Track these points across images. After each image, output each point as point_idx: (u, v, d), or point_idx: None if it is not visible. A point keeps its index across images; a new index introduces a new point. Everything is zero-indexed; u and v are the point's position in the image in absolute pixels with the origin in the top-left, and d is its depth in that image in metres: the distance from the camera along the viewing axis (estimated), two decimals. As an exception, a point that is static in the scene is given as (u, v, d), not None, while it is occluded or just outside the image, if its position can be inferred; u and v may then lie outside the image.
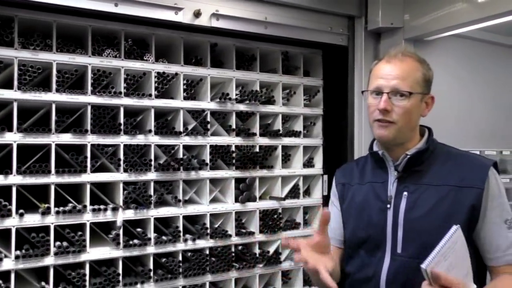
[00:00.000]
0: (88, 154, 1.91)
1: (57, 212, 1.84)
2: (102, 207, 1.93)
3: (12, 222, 1.76)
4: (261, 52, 2.38)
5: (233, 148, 2.25)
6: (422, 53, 2.31)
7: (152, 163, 2.04)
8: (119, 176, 1.97)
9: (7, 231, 1.77)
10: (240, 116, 2.33)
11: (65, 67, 1.89)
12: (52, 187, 1.84)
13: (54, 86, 1.85)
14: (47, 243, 1.81)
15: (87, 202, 1.90)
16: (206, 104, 2.19)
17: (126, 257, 1.99)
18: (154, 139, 2.05)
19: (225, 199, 2.27)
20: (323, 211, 1.32)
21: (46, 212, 1.82)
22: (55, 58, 1.85)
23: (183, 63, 2.13)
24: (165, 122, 2.11)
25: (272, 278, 2.42)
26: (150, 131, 2.04)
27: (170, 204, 2.12)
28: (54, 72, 1.85)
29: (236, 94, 2.29)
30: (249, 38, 2.28)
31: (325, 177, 2.54)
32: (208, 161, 2.17)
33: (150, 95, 2.04)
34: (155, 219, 2.05)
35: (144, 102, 2.04)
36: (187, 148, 2.18)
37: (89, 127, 1.91)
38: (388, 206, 1.42)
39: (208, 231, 2.16)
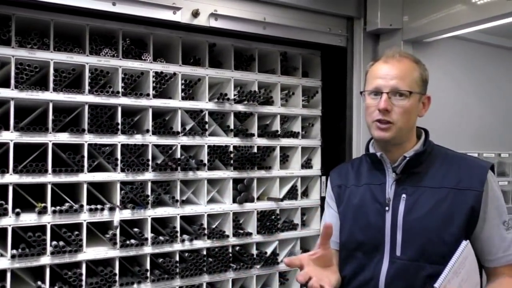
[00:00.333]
0: (85, 154, 1.90)
1: (54, 212, 1.83)
2: (99, 206, 1.93)
3: (8, 221, 1.76)
4: (260, 52, 2.37)
5: (231, 149, 2.25)
6: (421, 55, 2.32)
7: (150, 163, 2.03)
8: (116, 176, 1.97)
9: (3, 230, 1.76)
10: (238, 117, 2.33)
11: (62, 66, 1.88)
12: (49, 187, 1.83)
13: (51, 85, 1.84)
14: (43, 242, 1.80)
15: (84, 202, 1.89)
16: (204, 104, 2.19)
17: (123, 257, 1.98)
18: (151, 139, 2.05)
19: (222, 199, 2.27)
20: (326, 224, 1.31)
21: (43, 211, 1.81)
22: (53, 57, 1.85)
23: (181, 63, 2.13)
24: (163, 122, 2.11)
25: (270, 279, 2.42)
26: (147, 131, 2.04)
27: (167, 204, 2.12)
28: (52, 71, 1.84)
29: (235, 95, 2.29)
30: (248, 39, 2.28)
31: (323, 178, 2.53)
32: (206, 161, 2.17)
33: (148, 94, 2.04)
34: (152, 219, 2.04)
35: (142, 102, 2.03)
36: (185, 148, 2.17)
37: (86, 127, 1.90)
38: (387, 208, 1.41)
39: (206, 231, 2.15)
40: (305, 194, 2.58)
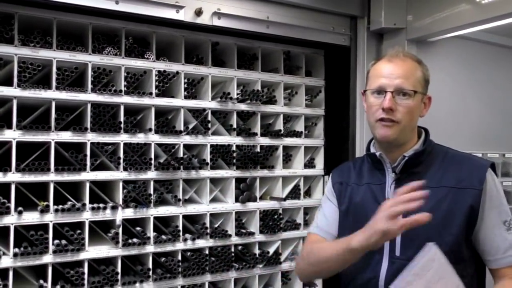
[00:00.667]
0: (88, 152, 1.90)
1: (56, 210, 1.83)
2: (101, 205, 1.92)
3: (11, 220, 1.76)
4: (263, 51, 2.37)
5: (233, 148, 2.24)
6: (425, 54, 2.32)
7: (152, 162, 2.03)
8: (118, 175, 1.97)
9: (6, 228, 1.76)
10: (241, 116, 2.32)
11: (65, 64, 1.88)
12: (51, 185, 1.83)
13: (54, 83, 1.84)
14: (45, 241, 1.80)
15: (87, 201, 1.89)
16: (207, 103, 2.18)
17: (125, 256, 1.98)
18: (154, 138, 2.05)
19: (225, 199, 2.26)
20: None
21: (45, 210, 1.81)
22: (55, 55, 1.84)
23: (184, 61, 2.12)
24: (165, 121, 2.10)
25: (272, 278, 2.41)
26: (150, 129, 2.03)
27: (170, 203, 2.11)
28: (54, 69, 1.84)
29: (237, 94, 2.28)
30: (251, 37, 2.27)
31: (326, 178, 2.53)
32: (208, 160, 2.16)
33: (151, 93, 2.04)
34: (155, 218, 2.04)
35: (145, 101, 2.03)
36: (187, 147, 2.17)
37: (89, 125, 1.90)
38: None
39: (208, 230, 2.15)
40: (307, 193, 2.57)
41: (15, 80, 1.78)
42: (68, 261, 1.85)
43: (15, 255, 1.75)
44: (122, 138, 1.98)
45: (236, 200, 2.25)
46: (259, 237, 2.30)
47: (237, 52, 2.27)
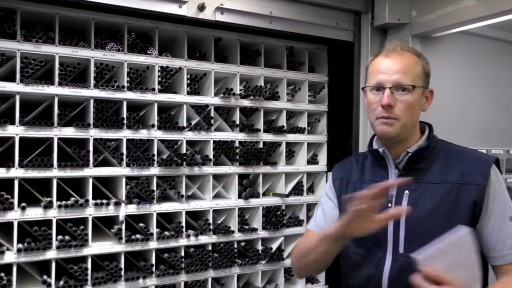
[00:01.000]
0: (91, 148, 1.90)
1: (59, 206, 1.83)
2: (104, 201, 1.92)
3: (14, 215, 1.76)
4: (266, 47, 2.35)
5: (236, 144, 2.23)
6: (429, 50, 2.30)
7: (155, 158, 2.03)
8: (121, 171, 1.96)
9: (9, 224, 1.77)
10: (244, 112, 2.32)
11: (67, 60, 1.88)
12: (55, 181, 1.83)
13: (56, 79, 1.84)
14: (49, 236, 1.80)
15: (90, 197, 1.89)
16: (210, 99, 2.17)
17: (128, 252, 1.98)
18: (157, 134, 2.04)
19: (228, 195, 2.26)
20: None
21: (48, 206, 1.81)
22: (58, 51, 1.84)
23: (186, 57, 2.12)
24: (168, 117, 2.10)
25: (275, 274, 2.41)
26: (153, 125, 2.03)
27: (172, 199, 2.11)
28: (57, 65, 1.84)
29: (240, 90, 2.27)
30: (254, 33, 2.26)
31: (329, 174, 2.51)
32: (211, 156, 2.16)
33: (153, 89, 2.03)
34: (158, 214, 2.04)
35: (147, 97, 2.02)
36: (190, 143, 2.16)
37: (91, 121, 1.90)
38: (389, 205, 1.39)
39: (211, 227, 2.15)
40: (310, 190, 2.57)
41: (18, 75, 1.77)
42: (72, 256, 1.86)
43: (18, 250, 1.75)
44: (125, 134, 1.97)
45: (239, 196, 2.25)
46: (262, 233, 2.30)
47: (240, 48, 2.26)
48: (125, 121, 1.97)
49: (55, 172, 1.83)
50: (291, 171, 2.42)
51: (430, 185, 1.36)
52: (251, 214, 2.33)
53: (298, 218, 2.44)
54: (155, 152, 2.03)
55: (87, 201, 1.88)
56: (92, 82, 1.90)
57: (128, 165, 1.97)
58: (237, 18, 2.09)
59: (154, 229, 2.02)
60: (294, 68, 2.47)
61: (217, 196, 2.23)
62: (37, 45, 1.81)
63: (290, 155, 2.47)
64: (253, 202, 2.28)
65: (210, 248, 2.16)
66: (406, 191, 1.38)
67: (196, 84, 2.18)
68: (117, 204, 1.94)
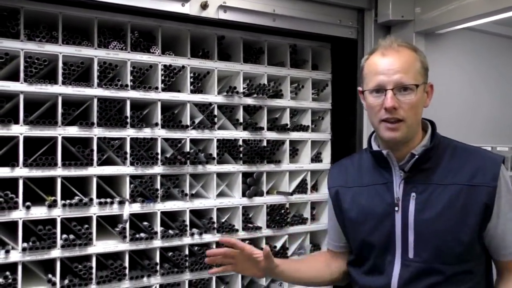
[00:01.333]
0: (95, 147, 1.90)
1: (64, 205, 1.83)
2: (108, 200, 1.93)
3: (19, 215, 1.76)
4: (269, 45, 2.35)
5: (240, 142, 2.23)
6: (433, 47, 2.28)
7: (159, 156, 2.03)
8: (125, 170, 1.97)
9: (14, 223, 1.77)
10: (247, 110, 2.31)
11: (71, 59, 1.88)
12: (59, 180, 1.84)
13: (60, 78, 1.84)
14: (53, 235, 1.81)
15: (94, 195, 1.89)
16: (213, 97, 2.17)
17: (133, 251, 1.98)
18: (160, 133, 2.04)
19: (232, 193, 2.26)
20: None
21: (53, 205, 1.81)
22: (61, 50, 1.84)
23: (190, 56, 2.11)
24: (171, 116, 2.10)
25: (279, 273, 2.41)
26: (156, 124, 2.03)
27: (176, 198, 2.11)
28: (60, 64, 1.84)
29: (244, 88, 2.27)
30: (257, 31, 2.26)
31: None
32: (215, 155, 2.16)
33: (157, 88, 2.03)
34: (162, 213, 2.04)
35: (151, 95, 2.02)
36: (194, 141, 2.16)
37: (95, 120, 1.90)
38: (396, 208, 1.35)
39: (215, 225, 2.15)
40: (314, 188, 2.56)
41: (22, 75, 1.77)
42: (76, 255, 1.86)
43: (23, 249, 1.76)
44: (129, 133, 1.98)
45: (243, 195, 2.25)
46: (266, 232, 2.30)
47: (243, 46, 2.26)
48: (128, 120, 1.97)
49: (59, 171, 1.83)
50: (295, 169, 2.42)
51: (437, 186, 1.32)
52: (255, 213, 2.32)
53: (302, 216, 2.44)
54: (159, 151, 2.03)
55: (91, 200, 1.88)
56: (96, 81, 1.90)
57: (132, 163, 1.97)
58: (240, 16, 2.09)
59: (158, 228, 2.02)
60: (298, 66, 2.46)
61: (221, 194, 2.22)
62: (40, 44, 1.81)
63: (294, 153, 2.46)
64: (257, 200, 2.28)
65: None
66: (413, 193, 1.34)
67: (200, 82, 2.17)
68: (121, 203, 1.94)
